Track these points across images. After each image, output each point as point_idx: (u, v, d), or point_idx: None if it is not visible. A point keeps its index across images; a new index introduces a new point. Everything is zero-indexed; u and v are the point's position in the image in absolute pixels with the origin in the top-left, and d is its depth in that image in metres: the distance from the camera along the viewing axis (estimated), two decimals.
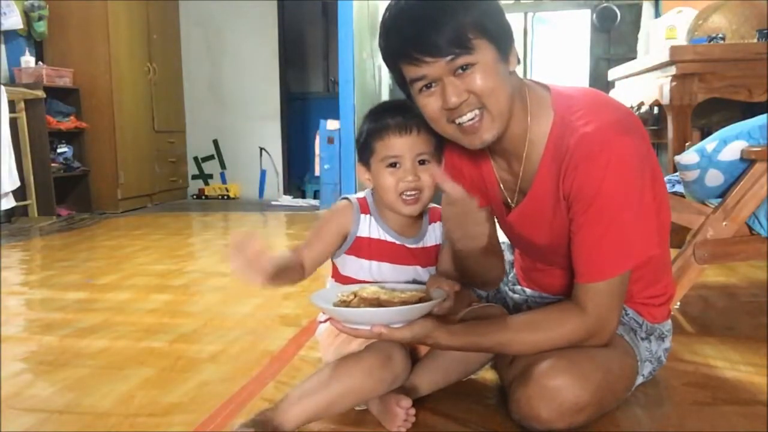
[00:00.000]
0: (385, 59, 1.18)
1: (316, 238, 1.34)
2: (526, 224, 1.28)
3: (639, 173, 1.12)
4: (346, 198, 1.37)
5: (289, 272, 1.23)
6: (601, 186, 1.10)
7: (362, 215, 1.34)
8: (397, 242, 1.34)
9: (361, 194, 1.38)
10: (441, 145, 1.29)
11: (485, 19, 1.09)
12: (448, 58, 1.08)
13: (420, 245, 1.36)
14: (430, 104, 1.14)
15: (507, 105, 1.14)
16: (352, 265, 1.35)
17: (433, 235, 1.37)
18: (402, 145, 1.25)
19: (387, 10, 1.14)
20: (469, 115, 1.12)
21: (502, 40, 1.12)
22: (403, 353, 1.22)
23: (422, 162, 1.27)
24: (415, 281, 1.34)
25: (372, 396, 1.21)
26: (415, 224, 1.36)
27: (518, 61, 1.16)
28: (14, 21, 4.46)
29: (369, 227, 1.34)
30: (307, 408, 1.15)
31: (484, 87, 1.10)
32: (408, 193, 1.26)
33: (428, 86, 1.13)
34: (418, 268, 1.36)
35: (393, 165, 1.26)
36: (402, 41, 1.11)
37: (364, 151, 1.31)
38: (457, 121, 1.13)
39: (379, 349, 1.19)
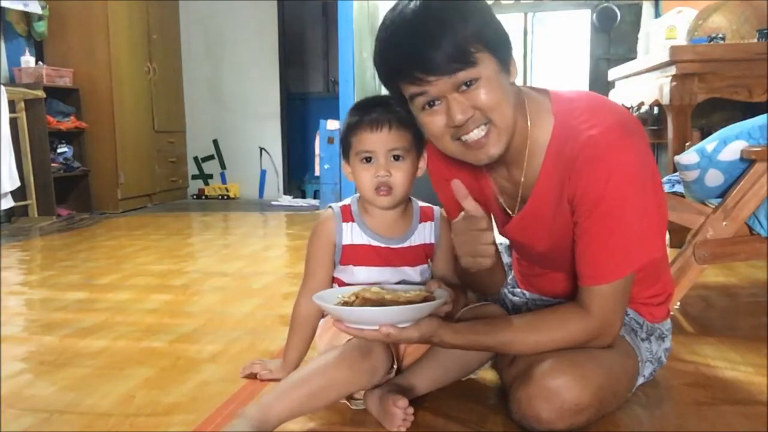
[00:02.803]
0: (381, 78, 1.14)
1: (311, 268, 1.39)
2: (527, 231, 1.28)
3: (642, 175, 1.12)
4: (330, 207, 1.40)
5: (310, 341, 1.42)
6: (606, 188, 1.10)
7: (344, 224, 1.36)
8: (382, 245, 1.35)
9: (347, 200, 1.40)
10: (419, 142, 1.30)
11: (485, 30, 1.06)
12: (451, 75, 1.04)
13: (406, 244, 1.36)
14: (434, 122, 1.11)
15: (512, 117, 1.12)
16: (342, 273, 1.38)
17: (422, 234, 1.38)
18: (375, 140, 1.27)
19: (381, 26, 1.10)
20: (476, 132, 1.09)
21: (502, 50, 1.09)
22: (382, 345, 1.22)
23: (396, 158, 1.29)
24: (405, 282, 1.35)
25: (354, 389, 1.22)
26: (401, 223, 1.37)
27: (517, 72, 1.14)
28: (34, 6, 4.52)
29: (351, 234, 1.36)
30: (290, 403, 1.16)
31: (489, 101, 1.07)
32: (381, 187, 1.29)
33: (431, 104, 1.09)
34: (407, 268, 1.36)
35: (367, 160, 1.29)
36: (400, 60, 1.07)
37: (344, 145, 1.34)
38: (464, 138, 1.11)
39: (360, 342, 1.19)
